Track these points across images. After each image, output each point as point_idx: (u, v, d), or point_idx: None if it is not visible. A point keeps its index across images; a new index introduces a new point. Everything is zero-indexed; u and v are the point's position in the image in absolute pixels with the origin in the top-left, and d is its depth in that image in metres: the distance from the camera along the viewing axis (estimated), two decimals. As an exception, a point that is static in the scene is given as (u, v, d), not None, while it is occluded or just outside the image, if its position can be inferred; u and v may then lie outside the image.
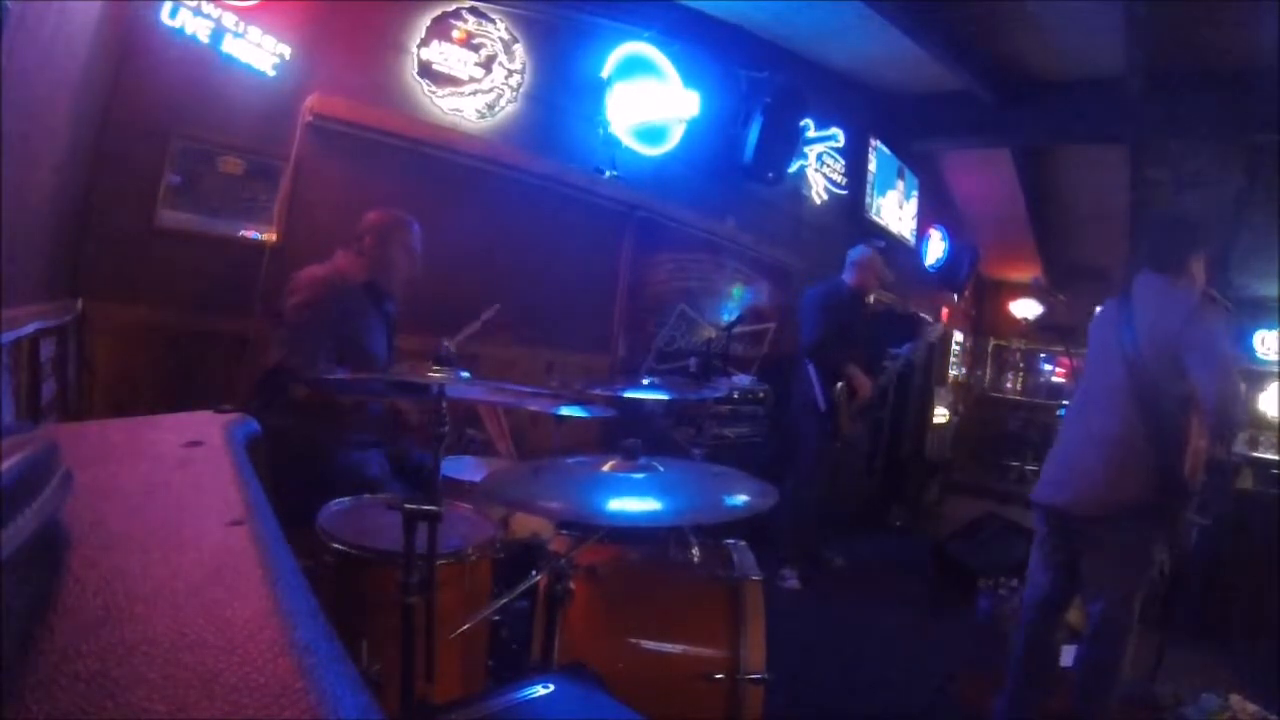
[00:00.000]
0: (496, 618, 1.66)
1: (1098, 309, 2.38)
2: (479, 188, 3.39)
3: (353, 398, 2.15)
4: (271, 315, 2.29)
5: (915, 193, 6.69)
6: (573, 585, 1.51)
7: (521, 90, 3.56)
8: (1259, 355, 7.89)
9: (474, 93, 3.40)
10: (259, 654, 0.35)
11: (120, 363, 2.52)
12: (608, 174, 3.88)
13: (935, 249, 7.33)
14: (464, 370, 1.42)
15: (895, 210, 6.35)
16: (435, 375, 1.38)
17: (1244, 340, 7.81)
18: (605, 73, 3.89)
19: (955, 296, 7.91)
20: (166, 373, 2.62)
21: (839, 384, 3.63)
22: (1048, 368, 9.68)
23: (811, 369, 3.70)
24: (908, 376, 4.58)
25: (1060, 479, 2.25)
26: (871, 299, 4.05)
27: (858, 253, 3.84)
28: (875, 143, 5.86)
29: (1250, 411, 7.63)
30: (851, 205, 5.75)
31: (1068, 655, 2.47)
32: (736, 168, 4.57)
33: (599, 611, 1.63)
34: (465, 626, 1.41)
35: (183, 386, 2.61)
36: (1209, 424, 2.03)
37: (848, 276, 3.82)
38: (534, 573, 1.50)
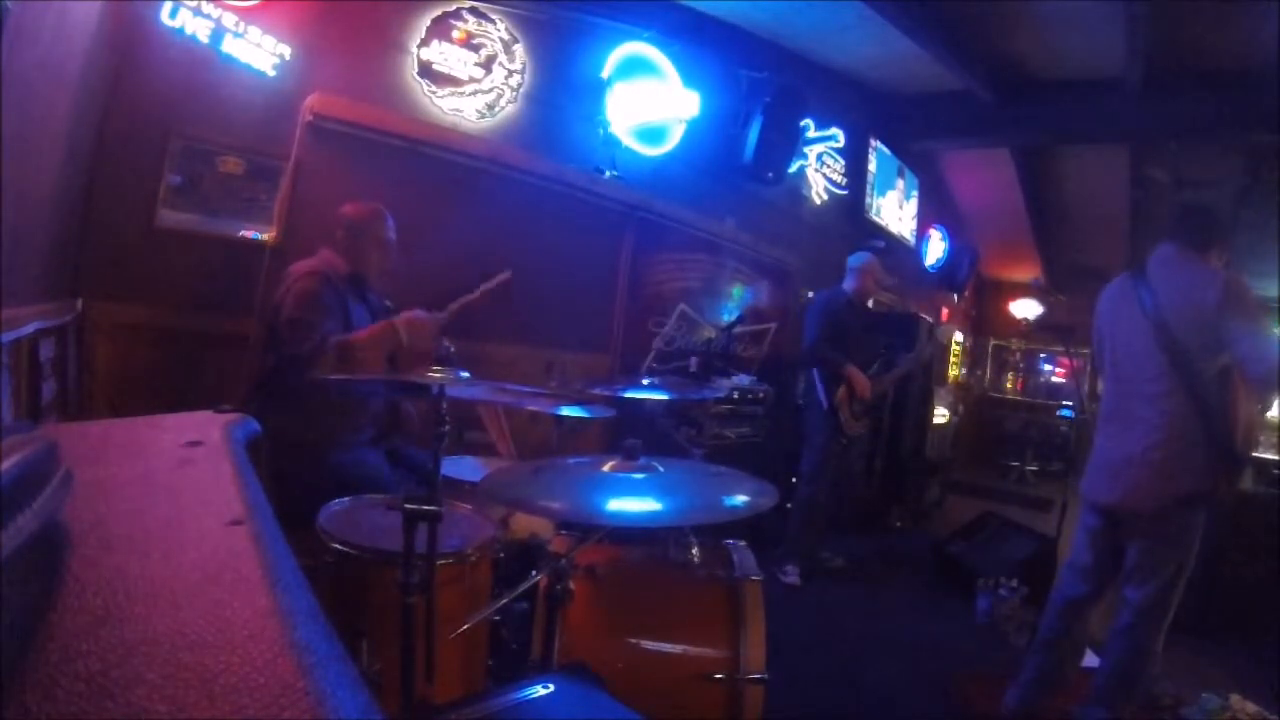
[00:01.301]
0: (496, 618, 1.66)
1: (1103, 294, 2.34)
2: (479, 188, 3.38)
3: (336, 356, 2.10)
4: (267, 312, 2.28)
5: (915, 193, 6.69)
6: (573, 585, 1.51)
7: (521, 90, 3.56)
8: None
9: (474, 93, 3.40)
10: (259, 654, 0.35)
11: (120, 363, 2.52)
12: (608, 174, 3.88)
13: (935, 249, 7.33)
14: (464, 370, 1.43)
15: (895, 210, 6.35)
16: (435, 375, 1.38)
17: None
18: (605, 73, 3.89)
19: (955, 296, 7.91)
20: (166, 373, 2.61)
21: (840, 385, 3.65)
22: (1048, 368, 9.69)
23: (815, 370, 3.72)
24: (909, 378, 4.58)
25: (1111, 477, 2.20)
26: (871, 303, 4.07)
27: (857, 259, 3.88)
28: (875, 143, 5.86)
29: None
30: (851, 205, 5.75)
31: (1089, 657, 2.46)
32: (736, 168, 4.56)
33: (599, 611, 1.64)
34: (465, 626, 1.41)
35: (183, 386, 2.61)
36: (1256, 392, 1.99)
37: (848, 283, 3.85)
38: (534, 573, 1.50)
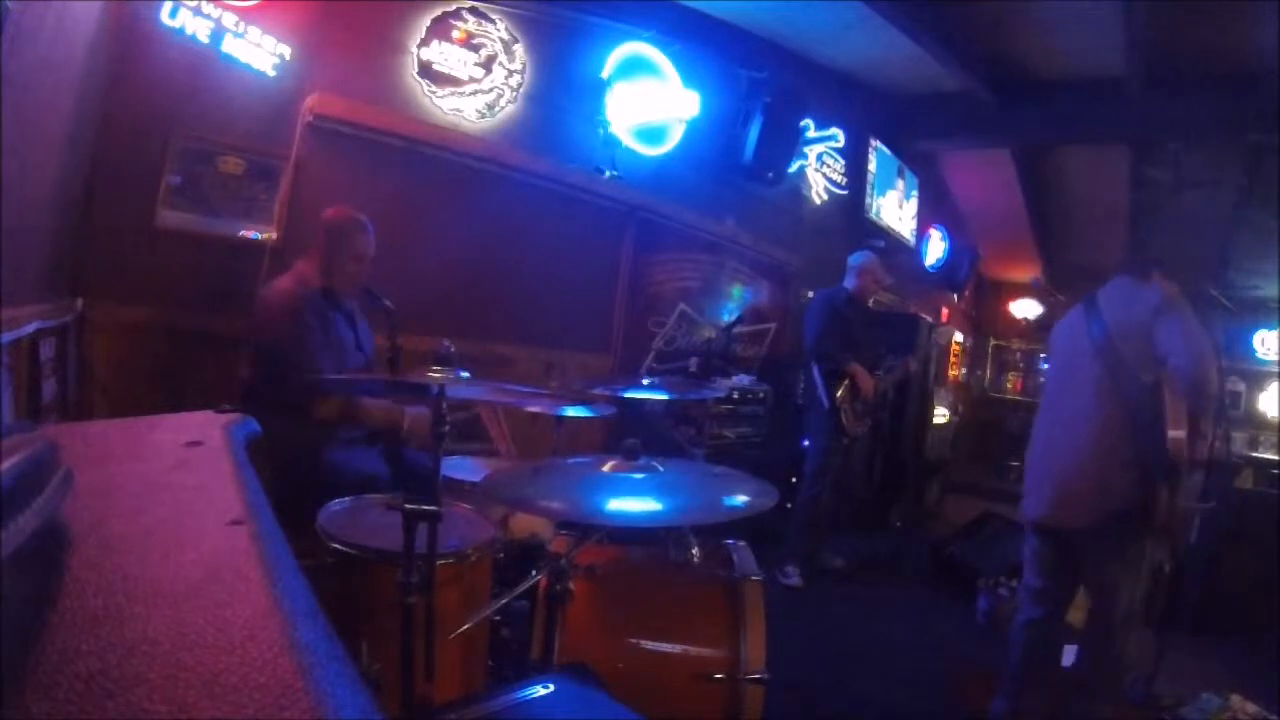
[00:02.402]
0: (496, 618, 1.66)
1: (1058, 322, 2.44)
2: (479, 188, 3.38)
3: (340, 406, 2.14)
4: (246, 330, 2.31)
5: (915, 193, 6.69)
6: (573, 585, 1.51)
7: (521, 90, 3.56)
8: (1259, 355, 7.89)
9: (474, 93, 3.40)
10: (259, 654, 0.35)
11: (120, 363, 2.52)
12: (608, 174, 3.87)
13: (935, 249, 7.33)
14: (464, 370, 1.42)
15: (895, 210, 6.35)
16: (435, 375, 1.38)
17: (1244, 340, 7.81)
18: (605, 73, 3.89)
19: (955, 296, 7.90)
20: (166, 373, 2.61)
21: (843, 384, 3.65)
22: (1047, 368, 9.68)
23: (816, 370, 3.72)
24: (908, 379, 4.57)
25: (1046, 491, 2.23)
26: (872, 302, 4.07)
27: (857, 258, 3.89)
28: (875, 143, 5.86)
29: (1250, 411, 7.66)
30: (851, 205, 5.75)
31: (1069, 654, 2.47)
32: (736, 168, 4.56)
33: (599, 611, 1.64)
34: (465, 626, 1.41)
35: (182, 386, 2.61)
36: (1184, 393, 1.98)
37: (848, 282, 3.86)
38: (534, 573, 1.50)
